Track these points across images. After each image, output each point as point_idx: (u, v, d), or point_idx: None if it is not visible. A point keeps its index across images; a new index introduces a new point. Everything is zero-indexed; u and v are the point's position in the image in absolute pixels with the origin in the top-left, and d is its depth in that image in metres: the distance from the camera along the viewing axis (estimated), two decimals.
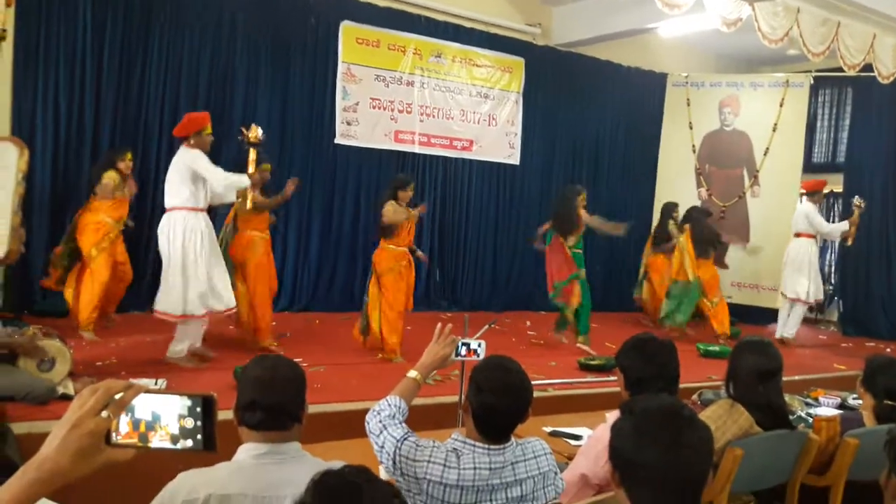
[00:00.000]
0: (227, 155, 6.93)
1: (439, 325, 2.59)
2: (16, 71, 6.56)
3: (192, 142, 5.12)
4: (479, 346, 2.76)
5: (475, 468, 2.03)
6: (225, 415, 1.73)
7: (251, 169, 5.33)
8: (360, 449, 3.11)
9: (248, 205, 5.54)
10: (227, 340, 6.07)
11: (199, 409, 1.02)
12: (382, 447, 2.19)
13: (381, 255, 6.21)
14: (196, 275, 5.01)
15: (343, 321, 7.15)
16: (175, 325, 5.14)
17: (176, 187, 5.08)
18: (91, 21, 6.89)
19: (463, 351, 2.66)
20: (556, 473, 2.19)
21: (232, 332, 6.24)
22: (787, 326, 8.28)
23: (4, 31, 6.18)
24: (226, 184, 5.16)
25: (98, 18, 6.93)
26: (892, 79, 8.14)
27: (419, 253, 6.54)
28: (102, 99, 6.98)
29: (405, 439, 2.15)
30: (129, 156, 6.17)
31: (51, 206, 6.72)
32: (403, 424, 2.26)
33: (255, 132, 5.33)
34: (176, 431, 1.03)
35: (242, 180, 5.25)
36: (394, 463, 2.14)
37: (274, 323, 6.80)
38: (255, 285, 5.90)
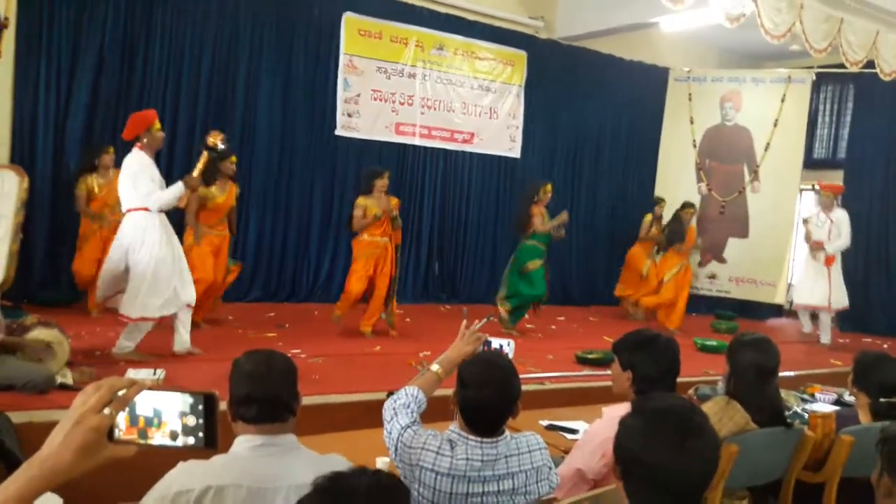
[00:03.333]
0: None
1: (465, 321, 2.63)
2: (18, 58, 6.56)
3: (144, 141, 4.93)
4: (508, 344, 2.77)
5: (468, 459, 2.06)
6: (222, 405, 1.74)
7: (196, 172, 5.23)
8: (358, 441, 3.13)
9: (183, 203, 5.41)
10: (221, 331, 6.09)
11: (200, 407, 1.04)
12: (390, 434, 2.25)
13: (356, 243, 6.52)
14: (154, 278, 4.87)
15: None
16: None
17: (127, 189, 4.93)
18: (93, 9, 6.88)
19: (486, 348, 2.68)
20: (550, 468, 2.20)
21: (228, 322, 6.26)
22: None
23: (7, 19, 6.18)
24: (160, 204, 4.95)
25: (100, 7, 6.91)
26: (894, 76, 8.11)
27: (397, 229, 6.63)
28: (104, 87, 6.97)
29: (409, 427, 2.19)
30: (110, 149, 6.22)
31: (52, 194, 6.73)
32: (413, 414, 2.29)
33: (216, 139, 5.29)
34: (177, 428, 1.04)
35: (176, 191, 5.03)
36: (395, 450, 2.19)
37: (273, 314, 6.85)
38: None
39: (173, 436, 1.04)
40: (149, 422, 1.03)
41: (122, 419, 1.03)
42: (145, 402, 1.04)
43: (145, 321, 4.93)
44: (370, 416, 4.04)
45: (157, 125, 5.03)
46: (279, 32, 7.94)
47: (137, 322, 4.92)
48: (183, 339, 5.18)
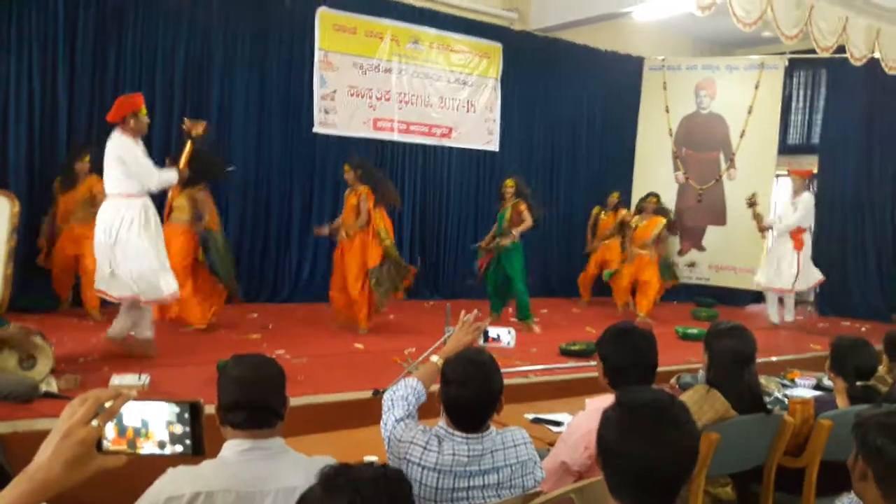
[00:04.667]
0: (205, 143, 6.88)
1: (463, 311, 2.64)
2: None
3: (130, 124, 4.92)
4: (509, 332, 2.77)
5: (454, 454, 2.09)
6: (209, 408, 1.75)
7: (182, 162, 5.27)
8: (345, 440, 3.15)
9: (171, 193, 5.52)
10: (204, 333, 6.08)
11: (186, 415, 1.05)
12: (385, 425, 2.28)
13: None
14: (142, 263, 4.90)
15: (326, 311, 7.16)
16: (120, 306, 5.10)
17: (112, 174, 4.94)
18: (64, 4, 6.81)
19: (486, 338, 2.68)
20: (535, 462, 2.23)
21: (211, 324, 6.26)
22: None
23: None
24: (157, 184, 5.04)
25: (71, 7, 6.84)
26: (864, 61, 8.22)
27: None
28: (77, 85, 6.92)
29: (402, 420, 2.22)
30: (87, 158, 6.28)
31: (27, 192, 6.64)
32: (410, 406, 2.31)
33: (199, 128, 5.29)
34: (165, 437, 1.05)
35: (172, 177, 5.17)
36: (388, 443, 2.21)
37: (256, 315, 6.83)
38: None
39: (161, 445, 1.06)
40: (137, 432, 1.05)
41: (110, 430, 1.04)
42: (132, 413, 1.05)
43: (138, 303, 4.96)
44: (356, 415, 4.07)
45: (144, 110, 5.05)
46: (253, 29, 7.90)
47: (132, 305, 4.94)
48: (122, 327, 5.10)
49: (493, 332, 2.76)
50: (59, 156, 6.78)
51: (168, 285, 5.06)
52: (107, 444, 1.04)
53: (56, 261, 6.41)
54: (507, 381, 2.26)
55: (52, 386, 4.15)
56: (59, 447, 1.00)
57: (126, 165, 4.89)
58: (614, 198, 9.36)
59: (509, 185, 7.44)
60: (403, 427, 2.20)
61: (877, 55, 8.20)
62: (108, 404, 1.03)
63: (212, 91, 7.68)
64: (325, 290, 8.05)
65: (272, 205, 8.17)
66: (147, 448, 1.06)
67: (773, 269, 8.17)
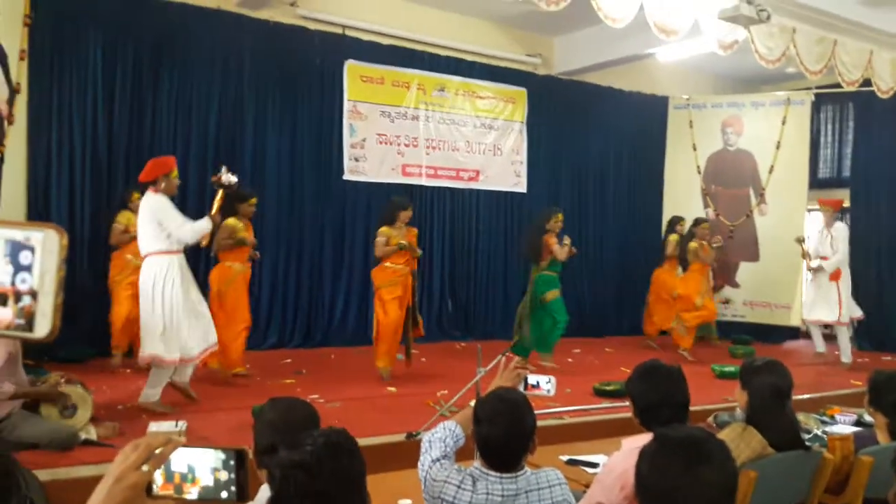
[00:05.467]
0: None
1: (503, 358, 2.65)
2: (30, 123, 6.73)
3: (161, 186, 5.10)
4: (549, 381, 2.77)
5: (488, 494, 2.09)
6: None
7: (214, 209, 5.40)
8: (378, 484, 3.15)
9: (205, 242, 5.56)
10: (238, 379, 6.12)
11: (231, 462, 1.09)
12: (422, 465, 2.31)
13: (377, 272, 6.52)
14: (173, 321, 4.98)
15: (359, 355, 7.20)
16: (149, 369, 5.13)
17: (148, 233, 5.08)
18: (102, 70, 7.08)
19: (526, 386, 2.68)
20: None
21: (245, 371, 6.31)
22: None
23: (19, 84, 6.37)
24: (189, 235, 5.14)
25: (108, 67, 7.11)
26: (891, 93, 8.20)
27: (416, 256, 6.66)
28: (115, 146, 7.14)
29: (437, 461, 2.23)
30: (135, 195, 6.35)
31: (69, 251, 6.83)
32: (447, 448, 2.33)
33: (227, 178, 5.44)
34: (210, 483, 1.09)
35: (205, 227, 5.26)
36: (424, 483, 2.22)
37: (290, 360, 6.85)
38: (229, 315, 5.98)
39: (206, 490, 1.09)
40: (183, 477, 1.09)
41: (158, 475, 1.08)
42: (180, 459, 1.09)
43: (161, 362, 4.99)
44: (390, 458, 4.07)
45: (175, 172, 5.23)
46: (284, 82, 8.12)
47: (155, 363, 4.98)
48: (150, 391, 5.09)
49: (532, 379, 2.76)
50: (100, 214, 6.98)
51: (197, 343, 5.14)
52: (156, 490, 1.08)
53: (115, 317, 6.45)
54: (541, 423, 2.26)
55: (92, 433, 4.22)
56: (111, 490, 1.04)
57: (161, 223, 5.04)
58: (683, 225, 9.03)
59: (560, 218, 7.34)
60: (439, 467, 2.22)
61: None
62: (158, 451, 1.07)
63: (245, 141, 7.87)
64: (357, 334, 8.12)
65: (304, 251, 8.29)
66: (193, 493, 1.10)
67: (818, 302, 8.08)
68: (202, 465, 1.09)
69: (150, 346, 4.95)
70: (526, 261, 7.58)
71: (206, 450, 1.10)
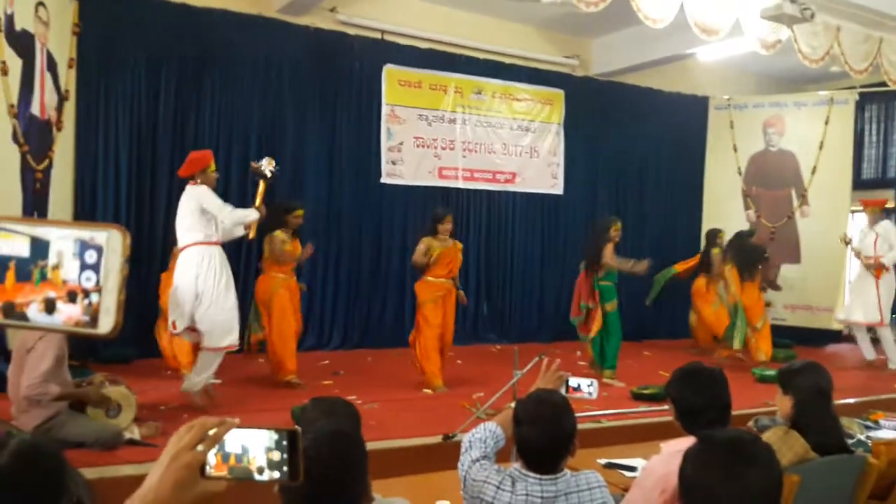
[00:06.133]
0: (280, 197, 7.17)
1: (546, 360, 2.65)
2: (78, 129, 6.90)
3: (198, 180, 5.22)
4: (591, 384, 2.75)
5: (527, 495, 2.10)
6: None
7: (258, 201, 5.49)
8: (416, 484, 3.17)
9: (252, 234, 5.66)
10: (261, 378, 6.25)
11: (284, 443, 1.11)
12: (462, 465, 2.31)
13: (420, 286, 6.41)
14: (217, 307, 5.11)
15: (396, 357, 7.24)
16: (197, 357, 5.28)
17: (187, 224, 5.18)
18: (146, 77, 7.24)
19: (567, 388, 2.68)
20: None
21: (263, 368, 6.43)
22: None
23: (67, 91, 6.55)
24: (233, 218, 5.26)
25: (152, 74, 7.27)
26: None
27: (461, 293, 6.58)
28: (159, 151, 7.29)
29: (477, 461, 2.24)
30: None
31: None
32: (487, 448, 2.34)
33: (268, 164, 5.51)
34: (263, 464, 1.11)
35: (250, 214, 5.37)
36: (464, 482, 2.23)
37: (327, 361, 6.92)
38: (276, 323, 6.11)
39: (260, 470, 1.11)
40: (238, 458, 1.11)
41: (212, 456, 1.10)
42: (234, 440, 1.11)
43: (215, 352, 5.14)
44: (427, 459, 4.10)
45: (213, 166, 5.34)
46: (323, 87, 8.21)
47: (209, 353, 5.12)
48: (196, 379, 5.24)
49: (573, 381, 2.75)
50: (143, 221, 7.15)
51: (236, 335, 5.27)
52: (210, 470, 1.10)
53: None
54: (578, 426, 2.26)
55: (135, 433, 4.32)
56: (167, 470, 1.07)
57: (206, 209, 5.14)
58: (723, 237, 8.89)
59: (619, 227, 7.09)
60: (479, 467, 2.23)
61: None
62: (212, 432, 1.10)
63: (285, 147, 7.96)
64: (394, 336, 8.16)
65: (343, 253, 8.37)
66: (246, 474, 1.11)
67: (855, 303, 7.92)
68: (256, 445, 1.11)
69: (176, 316, 5.12)
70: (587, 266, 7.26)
71: (259, 430, 1.11)
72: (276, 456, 1.10)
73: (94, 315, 1.10)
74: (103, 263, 1.11)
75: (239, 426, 1.11)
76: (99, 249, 1.12)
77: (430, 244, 6.29)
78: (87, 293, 1.10)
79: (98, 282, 1.11)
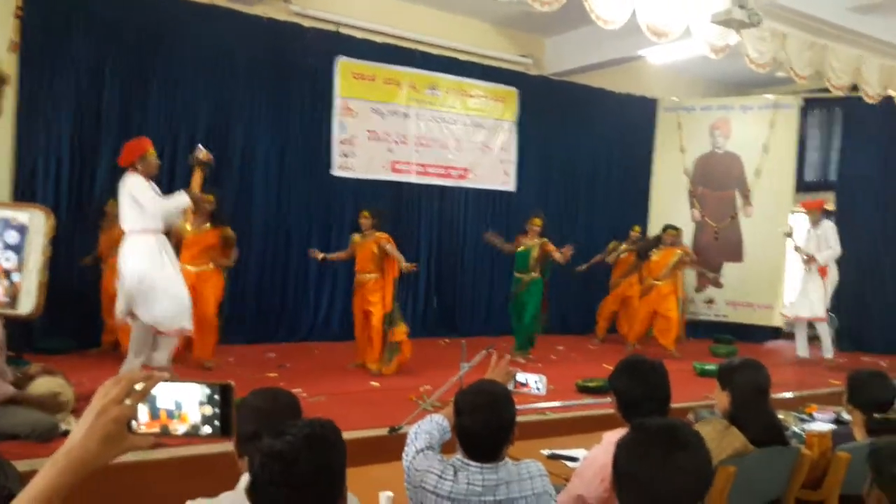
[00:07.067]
0: (229, 187, 7.07)
1: (494, 355, 2.65)
2: (19, 115, 6.68)
3: (139, 168, 5.19)
4: (539, 380, 2.75)
5: (468, 483, 2.11)
6: (227, 446, 1.79)
7: (193, 186, 5.47)
8: (360, 476, 3.15)
9: (188, 226, 5.63)
10: (221, 372, 6.14)
11: (216, 397, 1.08)
12: (406, 456, 2.33)
13: None
14: (159, 293, 5.10)
15: (343, 350, 7.20)
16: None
17: (126, 212, 5.18)
18: (92, 64, 7.04)
19: (514, 384, 2.68)
20: (550, 496, 2.24)
21: (228, 364, 6.34)
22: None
23: (8, 75, 6.33)
24: (163, 210, 5.22)
25: (99, 59, 7.07)
26: (879, 99, 8.27)
27: (406, 264, 6.74)
28: (103, 138, 7.09)
29: (421, 451, 2.25)
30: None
31: (53, 244, 6.79)
32: (432, 440, 2.35)
33: (203, 153, 5.49)
34: (197, 420, 1.08)
35: (181, 200, 5.33)
36: (407, 472, 2.23)
37: (273, 354, 6.85)
38: None
39: (194, 427, 1.08)
40: (170, 414, 1.08)
41: (143, 413, 1.07)
42: (165, 395, 1.08)
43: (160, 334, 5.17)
44: (373, 451, 4.08)
45: (152, 151, 5.30)
46: (275, 78, 8.09)
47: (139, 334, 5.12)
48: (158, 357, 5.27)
49: (521, 377, 2.77)
50: (81, 201, 7.00)
51: (188, 317, 5.29)
52: (136, 426, 1.06)
53: (105, 296, 6.49)
54: (523, 418, 2.28)
55: (72, 425, 4.19)
56: (93, 425, 1.03)
57: (138, 203, 5.12)
58: (635, 232, 9.31)
59: (537, 223, 7.53)
60: (422, 457, 2.24)
61: (892, 93, 8.25)
62: (139, 385, 1.06)
63: (235, 138, 7.85)
64: (342, 330, 8.13)
65: (291, 245, 8.27)
66: (180, 430, 1.08)
67: (801, 299, 8.17)
68: (188, 399, 1.07)
69: (123, 304, 5.11)
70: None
71: (191, 384, 1.08)
72: (208, 410, 1.07)
73: (14, 295, 1.06)
74: (25, 244, 1.07)
75: (168, 380, 1.08)
76: (21, 229, 1.08)
77: (352, 239, 6.80)
78: (7, 273, 1.06)
79: (20, 262, 1.07)
